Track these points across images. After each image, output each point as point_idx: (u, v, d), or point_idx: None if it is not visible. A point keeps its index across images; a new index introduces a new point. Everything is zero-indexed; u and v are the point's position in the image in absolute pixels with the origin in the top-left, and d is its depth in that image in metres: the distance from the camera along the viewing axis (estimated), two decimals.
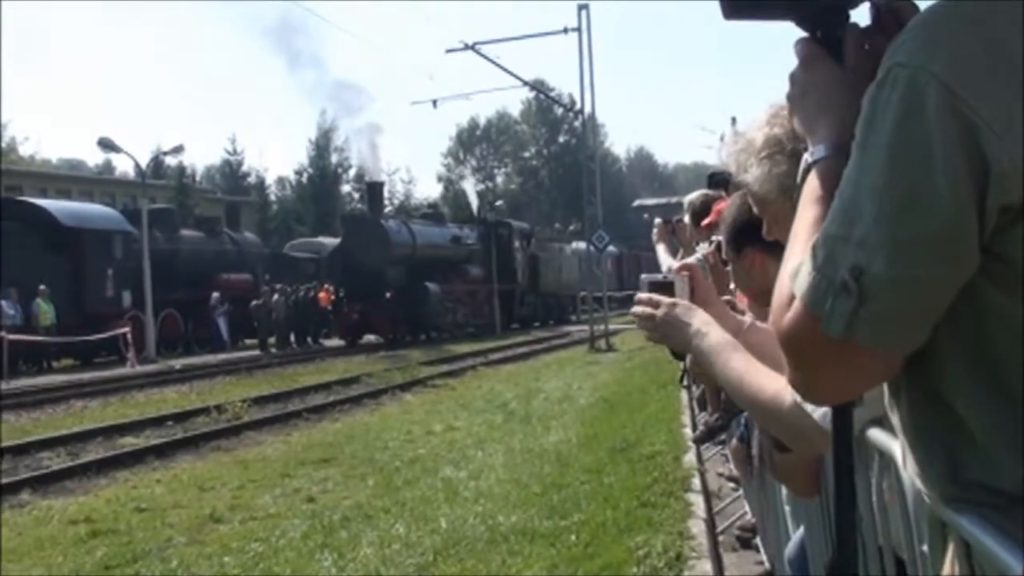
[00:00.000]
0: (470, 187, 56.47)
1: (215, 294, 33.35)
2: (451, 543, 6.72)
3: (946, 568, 1.36)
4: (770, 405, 1.94)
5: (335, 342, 36.32)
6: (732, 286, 3.82)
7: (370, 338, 35.29)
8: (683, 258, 4.91)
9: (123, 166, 74.40)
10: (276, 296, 34.00)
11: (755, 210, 2.29)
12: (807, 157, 1.37)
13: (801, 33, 1.42)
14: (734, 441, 5.91)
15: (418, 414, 15.16)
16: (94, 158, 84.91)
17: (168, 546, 7.42)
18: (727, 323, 2.43)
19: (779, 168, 2.09)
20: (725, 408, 5.53)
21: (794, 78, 1.42)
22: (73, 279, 28.03)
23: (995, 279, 1.12)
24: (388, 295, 33.70)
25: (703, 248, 4.34)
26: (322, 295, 36.45)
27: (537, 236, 48.27)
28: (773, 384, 1.94)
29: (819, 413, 1.79)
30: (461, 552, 6.49)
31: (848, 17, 1.39)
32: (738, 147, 2.20)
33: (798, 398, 1.84)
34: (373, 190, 39.66)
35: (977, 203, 1.08)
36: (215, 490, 9.69)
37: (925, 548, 1.56)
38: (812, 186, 1.34)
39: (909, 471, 1.32)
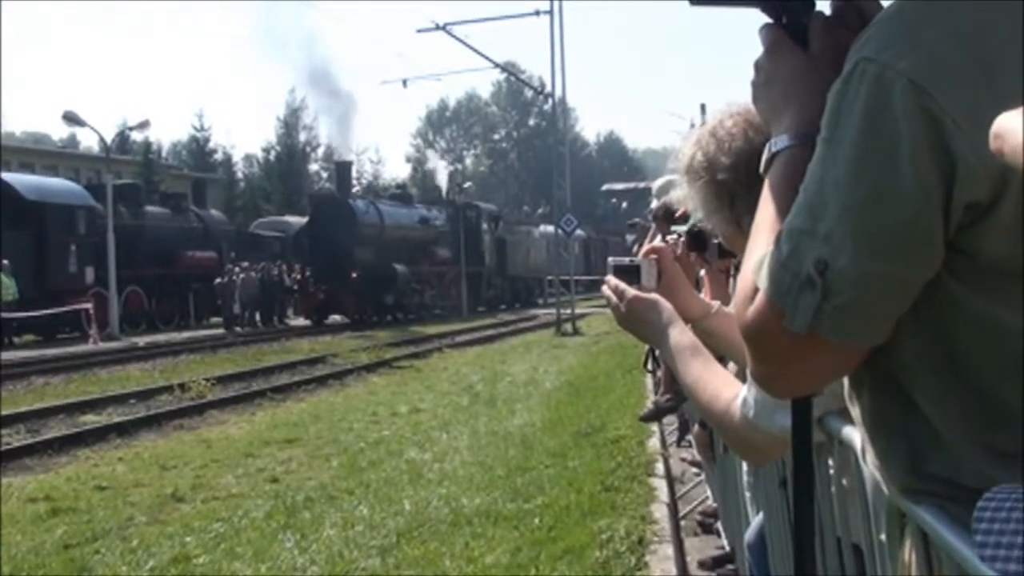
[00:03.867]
0: (441, 170, 56.33)
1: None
2: (415, 525, 6.72)
3: (903, 558, 1.36)
4: (722, 417, 1.95)
5: (300, 321, 36.15)
6: (702, 272, 3.83)
7: (335, 318, 35.15)
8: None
9: (88, 140, 73.69)
10: (243, 275, 33.69)
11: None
12: (770, 146, 1.36)
13: (767, 19, 1.40)
14: (696, 427, 5.94)
15: (383, 395, 15.14)
16: (58, 132, 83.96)
17: (129, 525, 7.36)
18: (694, 307, 2.43)
19: (698, 195, 2.13)
20: (676, 390, 5.55)
21: (758, 65, 1.41)
22: (36, 254, 27.65)
23: (959, 275, 1.12)
24: (355, 275, 33.57)
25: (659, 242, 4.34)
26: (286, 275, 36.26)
27: (505, 219, 48.25)
28: (725, 395, 1.95)
29: (776, 427, 1.78)
30: (424, 534, 6.49)
31: (814, 4, 1.38)
32: (671, 163, 2.24)
33: (750, 414, 1.85)
34: (341, 169, 39.48)
35: (943, 199, 1.08)
36: (177, 469, 9.62)
37: (883, 538, 1.56)
38: (776, 177, 1.33)
39: (869, 463, 1.32)
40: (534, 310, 43.12)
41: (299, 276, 35.56)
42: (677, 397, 5.99)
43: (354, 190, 41.53)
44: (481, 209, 45.02)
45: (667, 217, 5.03)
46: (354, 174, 49.97)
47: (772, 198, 1.31)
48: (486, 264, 43.70)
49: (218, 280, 33.07)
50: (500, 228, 46.05)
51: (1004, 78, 1.06)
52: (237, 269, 33.44)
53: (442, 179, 52.53)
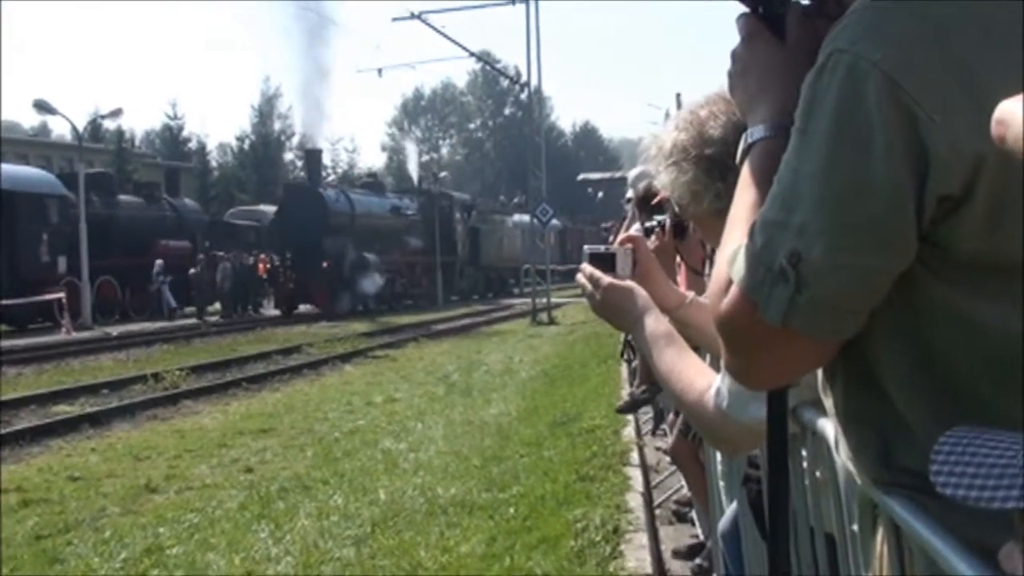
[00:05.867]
0: (413, 158, 55.95)
1: (159, 261, 32.80)
2: (390, 515, 6.72)
3: (875, 548, 1.37)
4: (695, 406, 1.95)
5: (272, 311, 35.99)
6: (678, 261, 3.85)
7: (307, 308, 34.96)
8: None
9: (60, 129, 72.97)
10: (220, 265, 33.44)
11: (677, 211, 2.29)
12: (746, 137, 1.36)
13: (744, 9, 1.40)
14: (671, 415, 5.97)
15: (358, 385, 15.11)
16: (29, 120, 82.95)
17: (102, 516, 7.33)
18: (669, 297, 2.43)
19: (685, 175, 2.10)
20: (652, 381, 5.57)
21: (735, 55, 1.41)
22: (7, 243, 27.36)
23: (933, 268, 1.12)
24: (325, 264, 33.40)
25: (637, 227, 4.35)
26: (260, 264, 36.01)
27: (479, 208, 48.13)
28: (699, 384, 1.95)
29: (750, 418, 1.78)
30: (400, 524, 6.49)
31: None
32: (652, 152, 2.20)
33: (724, 404, 1.85)
34: (311, 157, 39.26)
35: (916, 192, 1.08)
36: (151, 459, 9.58)
37: (855, 528, 1.57)
38: (751, 168, 1.32)
39: (842, 454, 1.33)
40: (510, 300, 43.14)
41: (270, 265, 35.33)
42: (652, 388, 6.01)
43: (329, 179, 41.27)
44: (454, 198, 44.91)
45: (645, 204, 5.05)
46: (330, 163, 49.71)
47: (747, 189, 1.31)
48: (458, 254, 43.60)
49: (192, 270, 32.87)
50: (473, 218, 45.95)
51: (978, 72, 1.06)
52: (202, 256, 33.25)
53: (413, 168, 52.14)
